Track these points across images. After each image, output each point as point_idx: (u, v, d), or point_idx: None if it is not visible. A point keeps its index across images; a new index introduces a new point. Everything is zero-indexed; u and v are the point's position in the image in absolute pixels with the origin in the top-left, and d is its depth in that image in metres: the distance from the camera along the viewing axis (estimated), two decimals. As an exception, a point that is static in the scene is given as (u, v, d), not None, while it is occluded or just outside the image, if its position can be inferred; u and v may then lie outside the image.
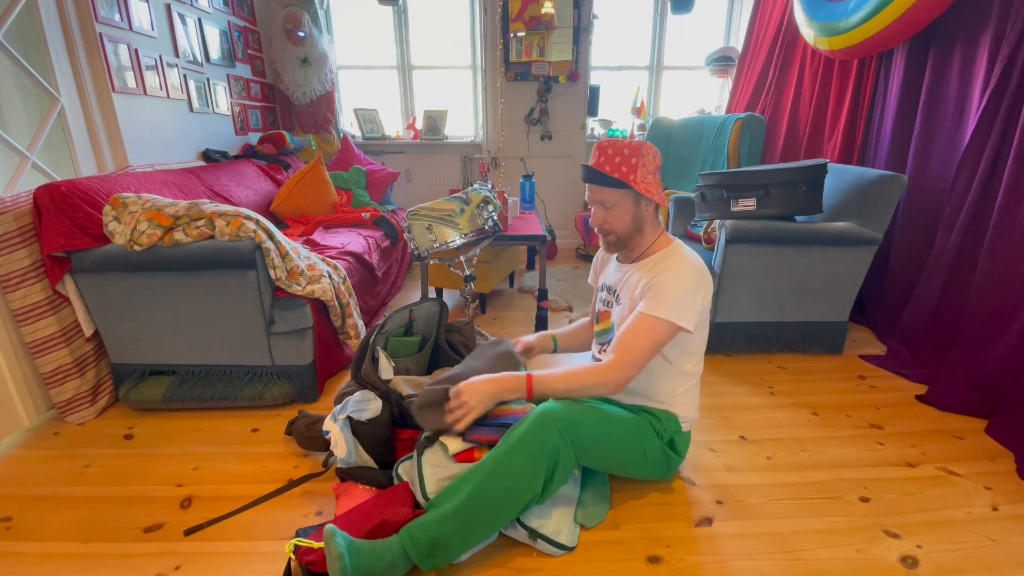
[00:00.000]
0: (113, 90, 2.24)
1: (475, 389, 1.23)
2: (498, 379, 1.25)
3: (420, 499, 1.23)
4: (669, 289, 1.23)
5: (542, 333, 1.65)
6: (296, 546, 1.13)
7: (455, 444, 1.29)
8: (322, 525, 1.27)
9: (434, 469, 1.27)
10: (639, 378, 1.31)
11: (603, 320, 1.47)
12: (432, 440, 1.30)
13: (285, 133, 3.43)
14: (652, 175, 1.28)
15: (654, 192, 1.27)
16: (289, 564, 1.16)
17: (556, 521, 1.24)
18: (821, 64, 2.96)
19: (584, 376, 1.25)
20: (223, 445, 1.68)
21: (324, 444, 1.54)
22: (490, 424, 1.28)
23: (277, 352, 1.86)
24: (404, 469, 1.37)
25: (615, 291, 1.41)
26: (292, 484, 1.48)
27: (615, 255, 1.46)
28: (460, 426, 1.22)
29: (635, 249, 1.36)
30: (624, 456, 1.31)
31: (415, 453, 1.34)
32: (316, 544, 1.11)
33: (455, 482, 1.18)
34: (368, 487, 1.38)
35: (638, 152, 1.24)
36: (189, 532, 1.31)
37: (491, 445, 1.24)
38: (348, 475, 1.41)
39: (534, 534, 1.21)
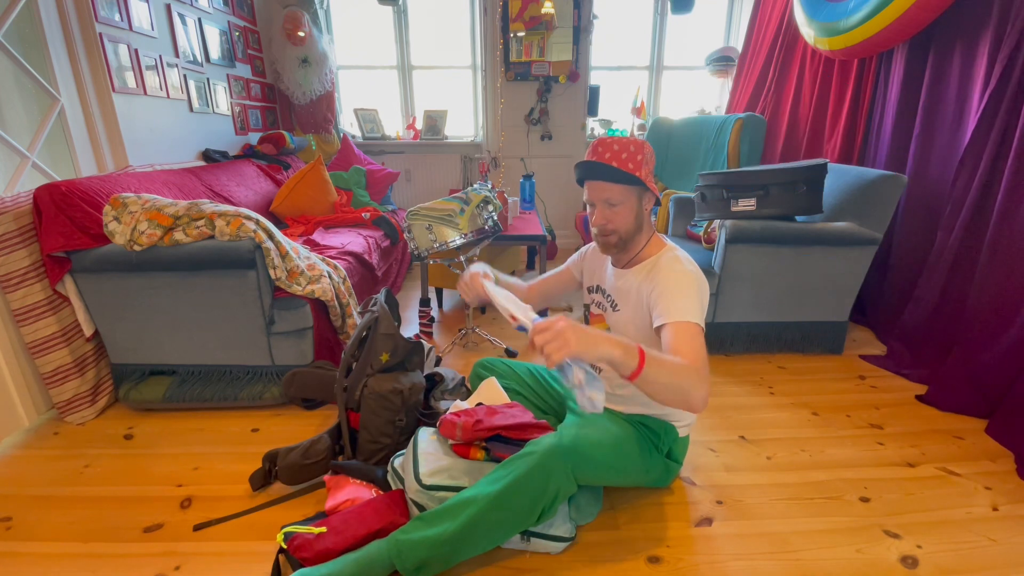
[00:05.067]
0: (113, 90, 2.25)
1: (577, 328, 0.97)
2: (608, 337, 1.00)
3: (412, 480, 1.23)
4: (682, 294, 1.19)
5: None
6: (288, 535, 1.13)
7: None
8: (317, 516, 1.28)
9: (429, 456, 1.28)
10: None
11: (595, 324, 1.44)
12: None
13: (285, 133, 3.43)
14: (652, 173, 1.27)
15: (656, 189, 1.27)
16: (277, 560, 1.15)
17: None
18: (821, 64, 2.96)
19: (688, 376, 1.04)
20: (223, 445, 1.68)
21: (320, 472, 1.49)
22: (507, 442, 1.28)
23: (277, 352, 1.86)
24: (400, 464, 1.37)
25: (609, 295, 1.39)
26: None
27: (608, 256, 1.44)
28: (550, 363, 0.96)
29: (632, 250, 1.32)
30: (627, 479, 1.31)
31: (412, 444, 1.35)
32: (316, 529, 1.12)
33: (451, 506, 1.12)
34: (360, 481, 1.38)
35: (641, 149, 1.23)
36: (198, 528, 1.32)
37: (492, 454, 1.25)
38: (341, 469, 1.41)
39: (527, 533, 1.20)
